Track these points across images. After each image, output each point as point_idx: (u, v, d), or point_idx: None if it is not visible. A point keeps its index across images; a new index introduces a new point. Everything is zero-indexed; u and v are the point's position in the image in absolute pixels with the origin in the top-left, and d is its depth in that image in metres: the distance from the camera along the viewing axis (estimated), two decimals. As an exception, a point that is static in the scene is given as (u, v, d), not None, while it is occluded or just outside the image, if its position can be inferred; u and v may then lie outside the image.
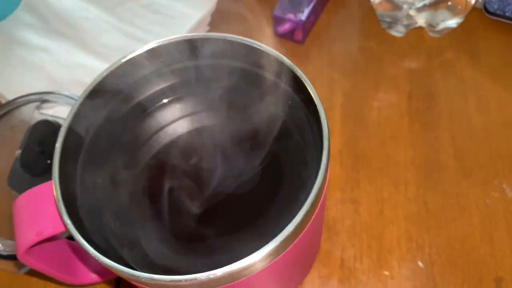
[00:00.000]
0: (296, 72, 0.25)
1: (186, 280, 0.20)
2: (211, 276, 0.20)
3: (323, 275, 0.35)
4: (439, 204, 0.37)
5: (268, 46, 0.26)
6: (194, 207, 0.29)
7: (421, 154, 0.40)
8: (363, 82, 0.45)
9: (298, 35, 0.47)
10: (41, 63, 0.45)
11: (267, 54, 0.26)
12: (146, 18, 0.47)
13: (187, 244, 0.28)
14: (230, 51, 0.26)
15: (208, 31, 0.48)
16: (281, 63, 0.26)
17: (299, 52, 0.47)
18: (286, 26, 0.47)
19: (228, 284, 0.22)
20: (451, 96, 0.43)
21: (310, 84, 0.25)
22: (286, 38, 0.48)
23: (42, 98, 0.41)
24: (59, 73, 0.45)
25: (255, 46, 0.26)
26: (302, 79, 0.25)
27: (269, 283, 0.27)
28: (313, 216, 0.23)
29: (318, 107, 0.24)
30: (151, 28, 0.47)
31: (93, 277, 0.33)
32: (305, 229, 0.23)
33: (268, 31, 0.48)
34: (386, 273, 0.35)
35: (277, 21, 0.47)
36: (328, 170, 0.24)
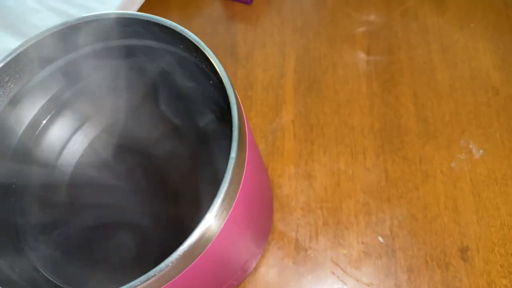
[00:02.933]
0: (207, 53, 0.22)
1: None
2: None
3: (277, 258, 0.33)
4: (400, 171, 0.34)
5: (170, 20, 0.22)
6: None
7: (380, 117, 0.37)
8: (317, 41, 0.41)
9: (245, -5, 0.43)
10: (-34, 52, 0.41)
11: (171, 30, 0.22)
12: (76, -8, 0.43)
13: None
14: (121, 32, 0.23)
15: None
16: (190, 41, 0.22)
17: (247, 14, 0.43)
18: (230, -14, 0.42)
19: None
20: (413, 49, 0.39)
21: (218, 61, 0.21)
22: (233, -1, 0.44)
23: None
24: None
25: (154, 21, 0.22)
26: (211, 58, 0.21)
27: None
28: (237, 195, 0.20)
29: (228, 92, 0.21)
30: (83, 3, 0.43)
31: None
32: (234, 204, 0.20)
33: (213, -7, 0.44)
34: (344, 251, 0.32)
35: (220, -19, 0.42)
36: (246, 161, 0.21)
